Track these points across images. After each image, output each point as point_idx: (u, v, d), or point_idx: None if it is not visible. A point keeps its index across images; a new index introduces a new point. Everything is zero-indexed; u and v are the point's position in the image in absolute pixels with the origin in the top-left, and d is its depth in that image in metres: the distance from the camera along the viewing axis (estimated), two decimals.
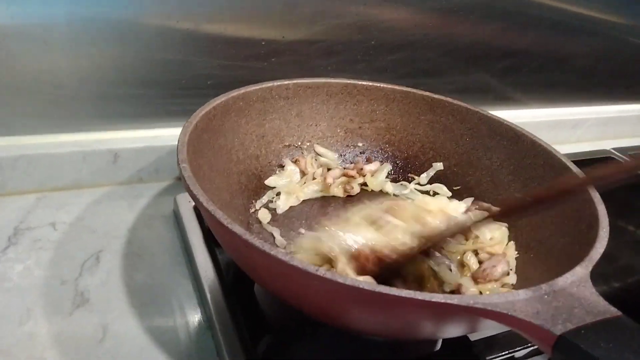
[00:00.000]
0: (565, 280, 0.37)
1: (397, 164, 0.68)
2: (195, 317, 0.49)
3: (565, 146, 0.98)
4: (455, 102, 0.65)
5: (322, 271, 0.34)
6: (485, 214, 0.54)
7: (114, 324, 0.47)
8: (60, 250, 0.54)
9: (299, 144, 0.65)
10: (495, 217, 0.50)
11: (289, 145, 0.64)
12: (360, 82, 0.66)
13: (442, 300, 0.34)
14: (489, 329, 0.47)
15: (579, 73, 0.96)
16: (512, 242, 0.56)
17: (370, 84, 0.66)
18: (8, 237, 0.55)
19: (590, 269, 0.39)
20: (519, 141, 0.59)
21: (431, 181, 0.66)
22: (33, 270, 0.51)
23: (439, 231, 0.50)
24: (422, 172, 0.66)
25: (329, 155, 0.66)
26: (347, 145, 0.68)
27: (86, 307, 0.48)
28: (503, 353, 0.49)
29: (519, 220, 0.57)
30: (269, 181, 0.62)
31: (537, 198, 0.44)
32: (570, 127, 1.01)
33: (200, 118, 0.50)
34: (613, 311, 0.34)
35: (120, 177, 0.65)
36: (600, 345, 0.31)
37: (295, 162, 0.64)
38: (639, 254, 0.74)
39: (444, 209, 0.56)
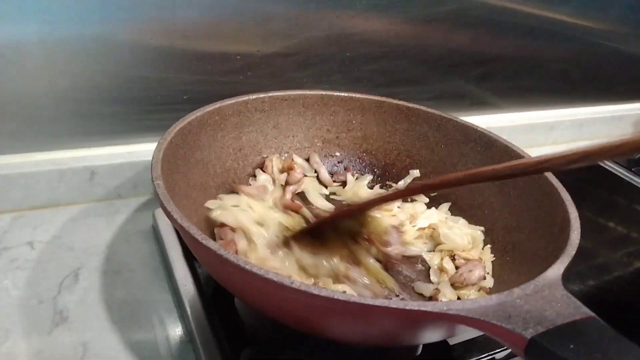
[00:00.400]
0: (537, 283, 0.38)
1: (375, 172, 0.69)
2: (176, 332, 0.49)
3: (541, 149, 1.00)
4: (430, 110, 0.66)
5: (297, 283, 0.35)
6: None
7: (94, 341, 0.47)
8: (38, 269, 0.54)
9: (277, 155, 0.66)
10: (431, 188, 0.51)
11: (267, 157, 0.65)
12: (335, 93, 0.66)
13: (416, 308, 0.34)
14: (467, 332, 0.48)
15: (554, 76, 0.98)
16: (488, 245, 0.57)
17: (346, 94, 0.67)
18: None
19: (562, 271, 0.40)
20: (492, 147, 0.61)
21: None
22: (10, 290, 0.51)
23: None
24: (400, 180, 0.67)
25: (306, 166, 0.67)
26: (325, 155, 0.69)
27: (65, 326, 0.48)
28: (483, 355, 0.49)
29: (495, 223, 0.58)
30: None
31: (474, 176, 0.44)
32: (546, 130, 1.02)
33: (175, 134, 0.50)
34: (583, 312, 0.35)
35: (97, 194, 0.65)
36: (569, 346, 0.31)
37: (263, 168, 0.64)
38: (619, 250, 0.76)
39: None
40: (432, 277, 0.55)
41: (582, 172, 0.95)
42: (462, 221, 0.61)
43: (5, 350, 0.45)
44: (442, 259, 0.56)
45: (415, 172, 0.66)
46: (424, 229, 0.59)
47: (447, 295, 0.51)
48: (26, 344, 0.45)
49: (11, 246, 0.56)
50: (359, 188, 0.65)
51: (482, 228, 0.59)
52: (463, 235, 0.57)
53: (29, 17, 0.54)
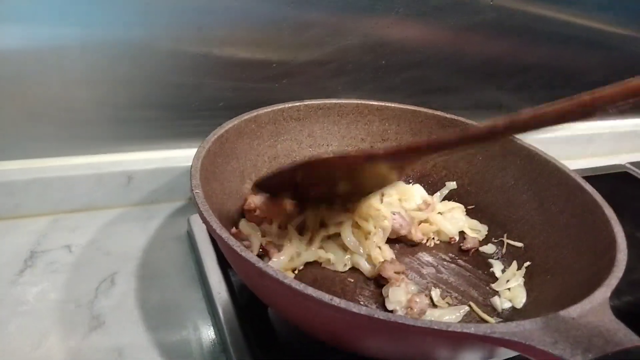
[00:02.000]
0: (584, 307, 0.37)
1: (410, 183, 0.68)
2: (209, 339, 0.49)
3: (579, 161, 0.97)
4: (467, 121, 0.65)
5: (337, 300, 0.34)
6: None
7: (129, 346, 0.47)
8: (75, 273, 0.55)
9: None
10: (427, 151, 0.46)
11: None
12: (371, 102, 0.66)
13: (459, 330, 0.34)
14: (507, 354, 0.46)
15: (592, 87, 0.94)
16: (527, 262, 0.56)
17: (381, 104, 0.66)
18: (24, 260, 0.55)
19: (609, 294, 0.39)
20: (532, 160, 0.59)
21: (444, 200, 0.65)
22: (48, 293, 0.52)
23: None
24: (436, 192, 0.66)
25: None
26: None
27: (101, 330, 0.48)
28: None
29: (534, 239, 0.56)
30: None
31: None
32: (584, 142, 1.00)
33: (213, 142, 0.50)
34: (635, 340, 0.33)
35: (134, 198, 0.66)
36: None
37: None
38: None
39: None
40: None
41: (621, 185, 0.92)
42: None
43: (41, 354, 0.45)
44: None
45: (452, 184, 0.65)
46: None
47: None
48: (62, 347, 0.46)
49: (49, 249, 0.57)
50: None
51: (521, 244, 0.57)
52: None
53: (70, 21, 0.54)
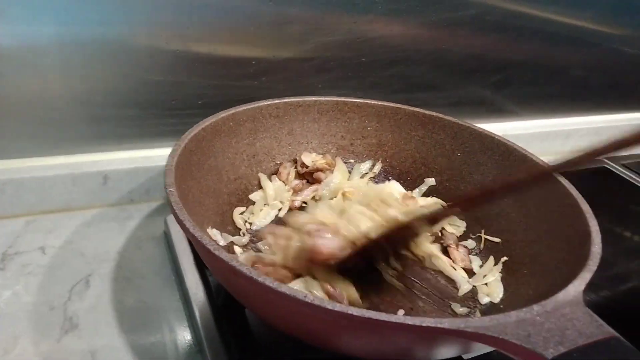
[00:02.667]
0: (557, 300, 0.37)
1: (389, 179, 0.67)
2: (185, 341, 0.48)
3: (558, 157, 0.97)
4: (447, 117, 0.65)
5: (310, 297, 0.34)
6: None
7: (103, 349, 0.46)
8: (50, 275, 0.54)
9: (290, 161, 0.65)
10: (462, 207, 0.49)
11: (280, 164, 0.64)
12: (350, 100, 0.66)
13: (432, 325, 0.33)
14: (484, 348, 0.46)
15: (572, 84, 0.96)
16: (504, 257, 0.56)
17: (361, 100, 0.66)
18: None
19: (583, 287, 0.39)
20: (510, 156, 0.59)
21: (424, 197, 0.65)
22: (21, 296, 0.51)
23: (405, 218, 0.49)
24: (415, 188, 0.66)
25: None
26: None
27: (75, 333, 0.47)
28: None
29: (513, 235, 0.57)
30: (253, 196, 0.61)
31: (500, 187, 0.43)
32: (563, 138, 1.00)
33: (189, 140, 0.50)
34: (606, 332, 0.34)
35: (110, 198, 0.65)
36: None
37: (277, 174, 0.64)
38: (635, 260, 0.74)
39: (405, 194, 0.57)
40: None
41: (597, 180, 0.93)
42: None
43: (14, 358, 0.44)
44: None
45: (431, 181, 0.65)
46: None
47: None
48: (35, 351, 0.45)
49: (23, 251, 0.56)
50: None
51: (499, 240, 0.57)
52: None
53: (45, 19, 0.54)
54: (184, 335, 0.49)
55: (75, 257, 0.56)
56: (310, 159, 0.64)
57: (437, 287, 0.54)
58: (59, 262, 0.55)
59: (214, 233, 0.53)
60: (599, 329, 0.34)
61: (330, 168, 0.64)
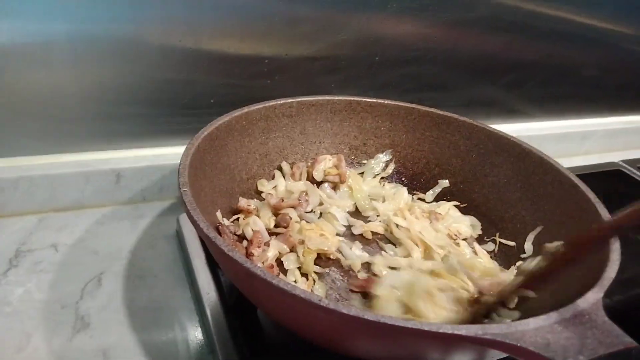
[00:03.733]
0: (576, 307, 0.36)
1: (402, 181, 0.67)
2: (197, 340, 0.48)
3: (573, 159, 0.97)
4: (461, 118, 0.64)
5: (325, 301, 0.33)
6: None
7: (115, 348, 0.46)
8: (62, 273, 0.54)
9: (303, 161, 0.65)
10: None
11: (293, 163, 0.64)
12: (363, 99, 0.65)
13: (450, 332, 0.33)
14: (501, 356, 0.46)
15: (587, 84, 0.95)
16: (518, 262, 0.55)
17: (374, 100, 0.65)
18: (9, 259, 0.54)
19: (601, 294, 0.38)
20: (526, 158, 0.58)
21: (437, 198, 0.65)
22: (33, 293, 0.51)
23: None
24: (428, 189, 0.65)
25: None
26: (352, 163, 0.67)
27: (86, 332, 0.47)
28: None
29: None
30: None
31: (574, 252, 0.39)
32: (578, 140, 0.99)
33: (203, 139, 0.50)
34: (627, 342, 0.33)
35: (123, 197, 0.65)
36: None
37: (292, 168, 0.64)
38: None
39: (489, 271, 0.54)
40: None
41: (615, 183, 0.91)
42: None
43: (26, 355, 0.44)
44: None
45: (445, 182, 0.64)
46: None
47: None
48: (47, 349, 0.45)
49: (35, 248, 0.56)
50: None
51: (514, 243, 0.57)
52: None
53: (57, 17, 0.53)
54: (196, 335, 0.49)
55: (88, 255, 0.56)
56: (321, 174, 0.63)
57: None
58: (71, 260, 0.55)
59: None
60: (620, 339, 0.33)
61: (341, 181, 0.64)
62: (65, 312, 0.49)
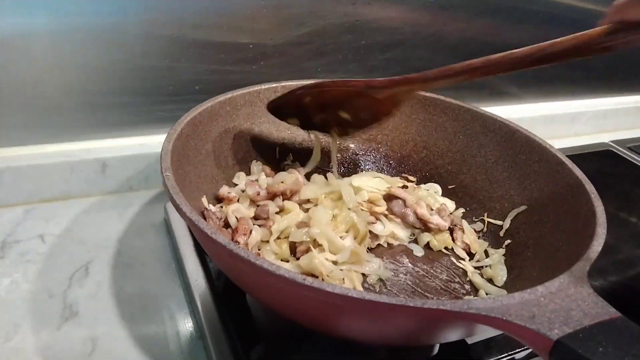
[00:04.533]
0: (562, 281, 0.36)
1: (391, 164, 0.67)
2: (186, 327, 0.48)
3: (563, 140, 0.97)
4: (448, 99, 0.64)
5: (310, 280, 0.33)
6: None
7: (104, 336, 0.46)
8: (49, 263, 0.53)
9: (290, 147, 0.64)
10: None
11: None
12: None
13: (435, 307, 0.33)
14: (486, 331, 0.46)
15: (575, 66, 0.95)
16: (507, 240, 0.55)
17: None
18: None
19: (587, 268, 0.38)
20: (513, 137, 0.58)
21: (425, 180, 0.65)
22: (21, 284, 0.50)
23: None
24: (417, 172, 0.65)
25: None
26: (339, 148, 0.67)
27: (75, 320, 0.47)
28: (502, 355, 0.48)
29: (516, 217, 0.56)
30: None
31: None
32: (568, 121, 0.99)
33: (186, 125, 0.49)
34: (612, 312, 0.33)
35: (109, 186, 0.64)
36: (598, 349, 0.30)
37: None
38: None
39: None
40: None
41: (605, 163, 0.92)
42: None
43: (14, 345, 0.44)
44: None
45: (436, 187, 0.64)
46: None
47: None
48: (35, 338, 0.45)
49: (22, 239, 0.56)
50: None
51: (502, 222, 0.57)
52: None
53: (38, 7, 0.53)
54: (185, 322, 0.49)
55: (75, 244, 0.56)
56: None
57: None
58: (59, 250, 0.55)
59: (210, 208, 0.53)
60: (604, 309, 0.33)
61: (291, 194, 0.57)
62: (53, 302, 0.49)
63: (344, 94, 0.53)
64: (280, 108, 0.58)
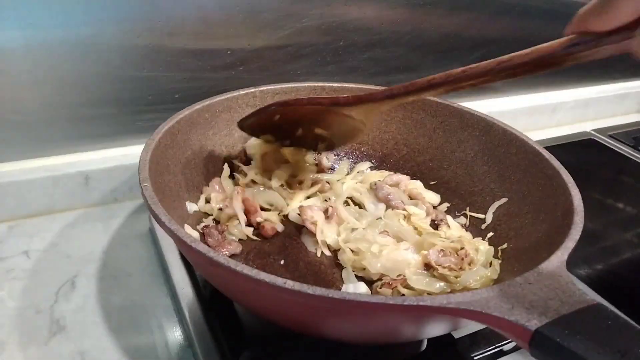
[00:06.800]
0: (540, 271, 0.36)
1: (373, 163, 0.67)
2: (175, 336, 0.48)
3: (545, 131, 0.98)
4: (428, 98, 0.64)
5: (290, 283, 0.33)
6: None
7: (92, 350, 0.46)
8: (35, 279, 0.53)
9: None
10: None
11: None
12: (328, 84, 0.65)
13: (414, 303, 0.33)
14: (473, 325, 0.46)
15: None
16: (490, 233, 0.56)
17: (338, 85, 0.65)
18: None
19: (565, 257, 0.39)
20: (490, 131, 0.59)
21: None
22: (6, 301, 0.50)
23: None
24: (398, 170, 0.65)
25: None
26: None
27: (62, 335, 0.47)
28: (489, 348, 0.48)
29: (496, 210, 0.56)
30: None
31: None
32: (549, 112, 1.00)
33: (163, 134, 0.49)
34: (589, 300, 0.33)
35: (93, 198, 0.64)
36: (576, 337, 0.30)
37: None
38: (628, 231, 0.74)
39: None
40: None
41: (587, 152, 0.93)
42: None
43: None
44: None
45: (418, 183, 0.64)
46: None
47: None
48: (23, 355, 0.45)
49: (7, 256, 0.56)
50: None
51: (484, 216, 0.57)
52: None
53: (12, 22, 0.53)
54: (174, 331, 0.49)
55: (60, 259, 0.56)
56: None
57: None
58: (44, 266, 0.55)
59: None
60: (582, 297, 0.33)
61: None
62: (40, 317, 0.49)
63: (312, 111, 0.53)
64: (251, 125, 0.57)
